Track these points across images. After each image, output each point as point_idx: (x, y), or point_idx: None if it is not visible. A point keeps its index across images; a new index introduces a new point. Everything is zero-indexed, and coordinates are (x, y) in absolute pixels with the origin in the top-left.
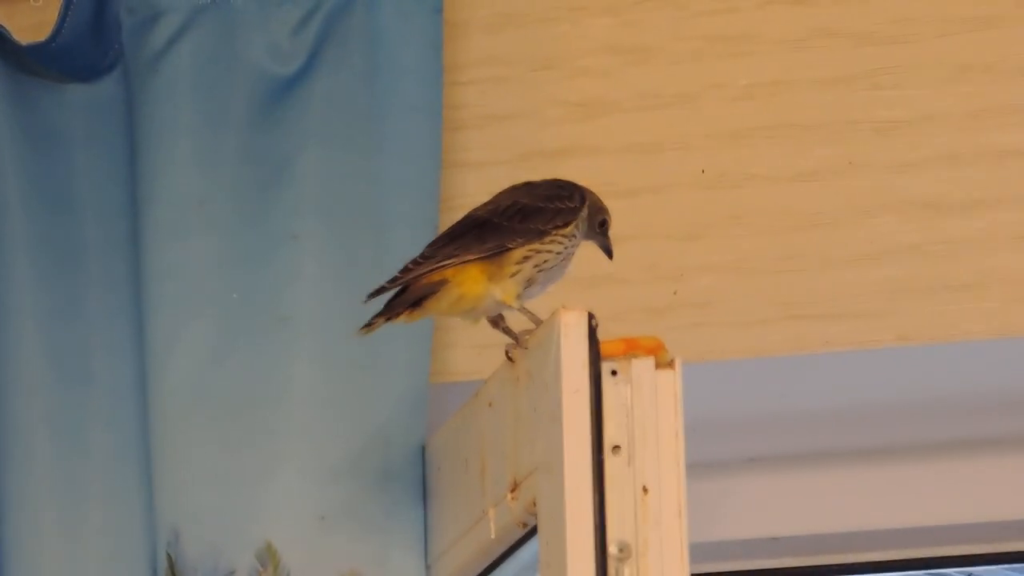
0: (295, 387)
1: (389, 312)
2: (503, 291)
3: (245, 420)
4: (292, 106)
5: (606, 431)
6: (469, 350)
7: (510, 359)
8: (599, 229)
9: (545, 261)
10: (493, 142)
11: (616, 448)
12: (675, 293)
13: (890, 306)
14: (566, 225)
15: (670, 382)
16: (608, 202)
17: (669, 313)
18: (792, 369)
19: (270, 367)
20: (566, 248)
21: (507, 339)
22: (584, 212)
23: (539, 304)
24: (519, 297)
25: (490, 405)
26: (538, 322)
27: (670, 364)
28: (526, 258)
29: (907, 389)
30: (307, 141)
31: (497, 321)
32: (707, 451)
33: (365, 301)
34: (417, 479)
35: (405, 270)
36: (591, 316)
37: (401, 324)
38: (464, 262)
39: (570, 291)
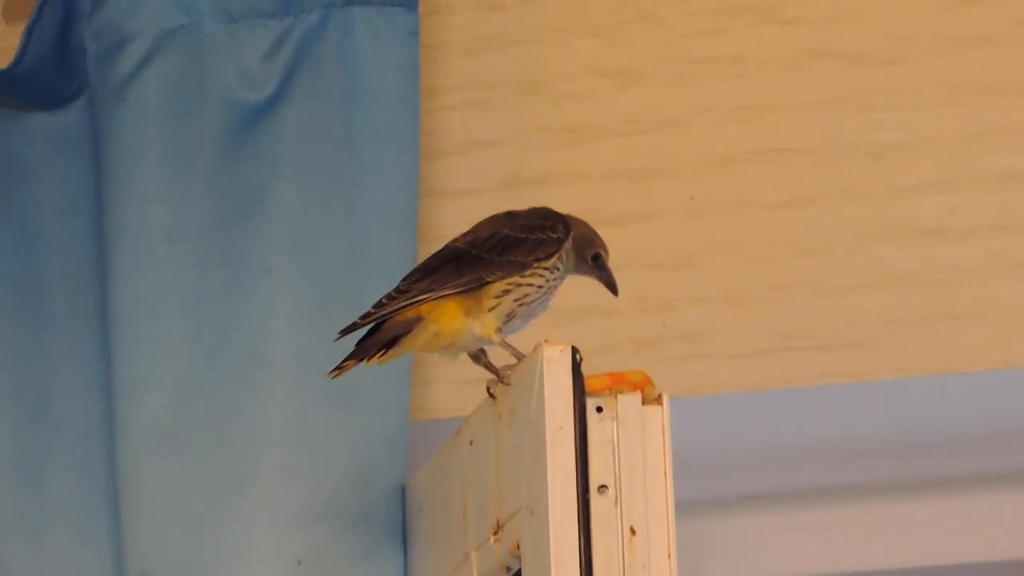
0: (269, 427)
1: (361, 353)
2: (482, 326)
3: (217, 461)
4: (264, 134)
5: (592, 470)
6: (450, 386)
7: (492, 396)
8: (592, 263)
9: (526, 295)
10: (474, 170)
11: (602, 488)
12: (664, 325)
13: (887, 337)
14: (548, 257)
15: (658, 418)
16: (596, 230)
17: (657, 345)
18: (786, 403)
19: (243, 406)
20: (548, 282)
21: (489, 375)
22: (569, 243)
23: (521, 338)
24: (499, 332)
25: (471, 443)
26: (520, 357)
27: (657, 399)
28: (506, 292)
29: (906, 423)
30: (280, 171)
31: (478, 356)
32: (697, 490)
33: (336, 339)
34: (397, 521)
35: (378, 306)
36: (575, 350)
37: (375, 365)
38: (440, 297)
39: (554, 324)
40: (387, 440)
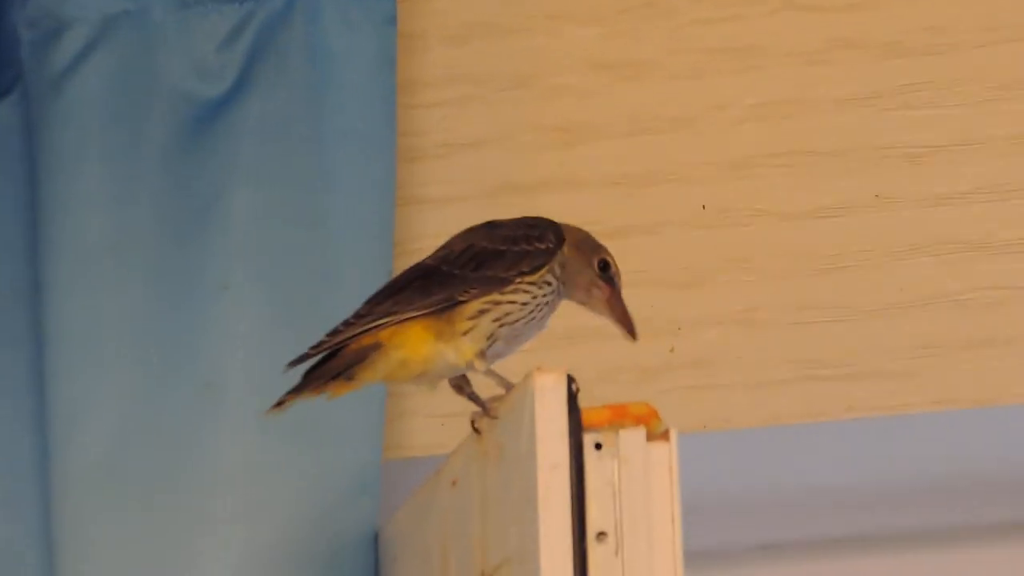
0: (224, 464)
1: (306, 386)
2: (456, 352)
3: (165, 503)
4: (220, 133)
5: (589, 515)
6: (429, 420)
7: (477, 431)
8: (599, 271)
9: (507, 314)
10: (457, 174)
11: (601, 535)
12: (671, 351)
13: (925, 364)
14: (534, 271)
15: (664, 456)
16: None
17: (664, 374)
18: (810, 439)
19: (194, 441)
20: (536, 298)
21: (473, 407)
22: (563, 253)
23: (510, 364)
24: (482, 358)
25: (454, 484)
26: (508, 387)
27: (664, 435)
28: (482, 312)
29: (946, 462)
30: (238, 175)
31: (461, 386)
32: (710, 537)
33: (285, 371)
34: (368, 572)
35: (333, 333)
36: (571, 379)
37: (324, 399)
38: (404, 320)
39: (547, 348)
40: (358, 480)
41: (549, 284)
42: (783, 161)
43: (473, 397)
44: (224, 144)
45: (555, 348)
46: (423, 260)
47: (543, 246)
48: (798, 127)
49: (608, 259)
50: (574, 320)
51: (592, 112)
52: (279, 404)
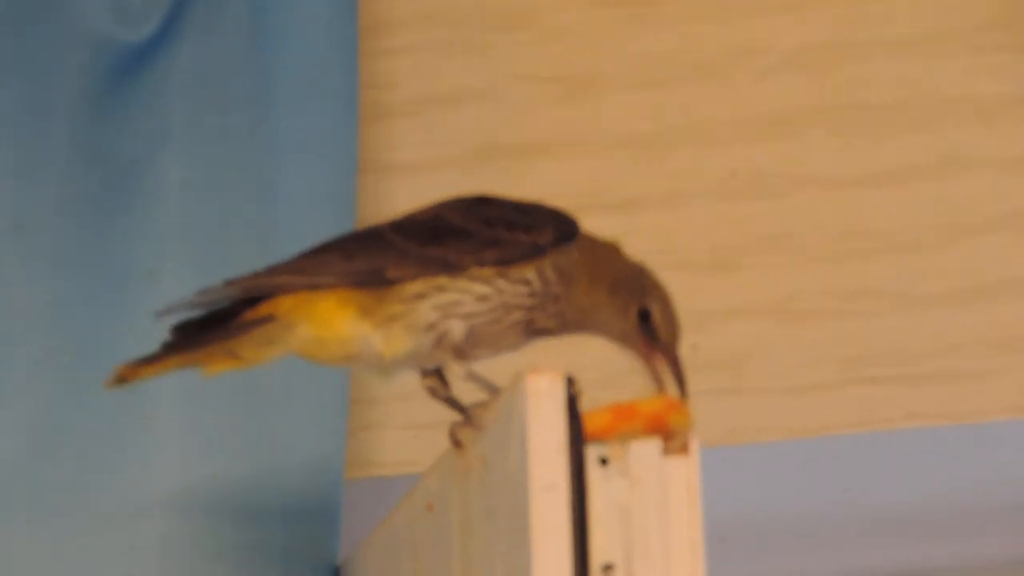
0: (153, 484)
1: (166, 355)
2: (385, 340)
3: (84, 528)
4: (144, 88)
5: (593, 544)
6: (400, 433)
7: (457, 444)
8: (639, 320)
9: (455, 304)
10: (433, 135)
11: (608, 568)
12: (694, 347)
13: (1000, 363)
14: (501, 263)
15: (684, 472)
16: (601, 217)
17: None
18: (861, 453)
19: (118, 455)
20: (503, 295)
21: (453, 416)
22: (568, 259)
23: (497, 364)
24: (451, 354)
25: (430, 508)
26: (495, 391)
27: (683, 448)
28: (419, 296)
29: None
30: (166, 139)
31: (436, 389)
32: (740, 571)
33: (159, 316)
34: None
35: (210, 291)
36: (571, 381)
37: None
38: (312, 287)
39: (543, 346)
40: (315, 504)
41: (527, 284)
42: (828, 117)
43: (452, 403)
44: (148, 101)
45: (551, 345)
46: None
47: (527, 239)
48: (845, 76)
49: (652, 307)
50: None
51: (596, 59)
52: (122, 378)
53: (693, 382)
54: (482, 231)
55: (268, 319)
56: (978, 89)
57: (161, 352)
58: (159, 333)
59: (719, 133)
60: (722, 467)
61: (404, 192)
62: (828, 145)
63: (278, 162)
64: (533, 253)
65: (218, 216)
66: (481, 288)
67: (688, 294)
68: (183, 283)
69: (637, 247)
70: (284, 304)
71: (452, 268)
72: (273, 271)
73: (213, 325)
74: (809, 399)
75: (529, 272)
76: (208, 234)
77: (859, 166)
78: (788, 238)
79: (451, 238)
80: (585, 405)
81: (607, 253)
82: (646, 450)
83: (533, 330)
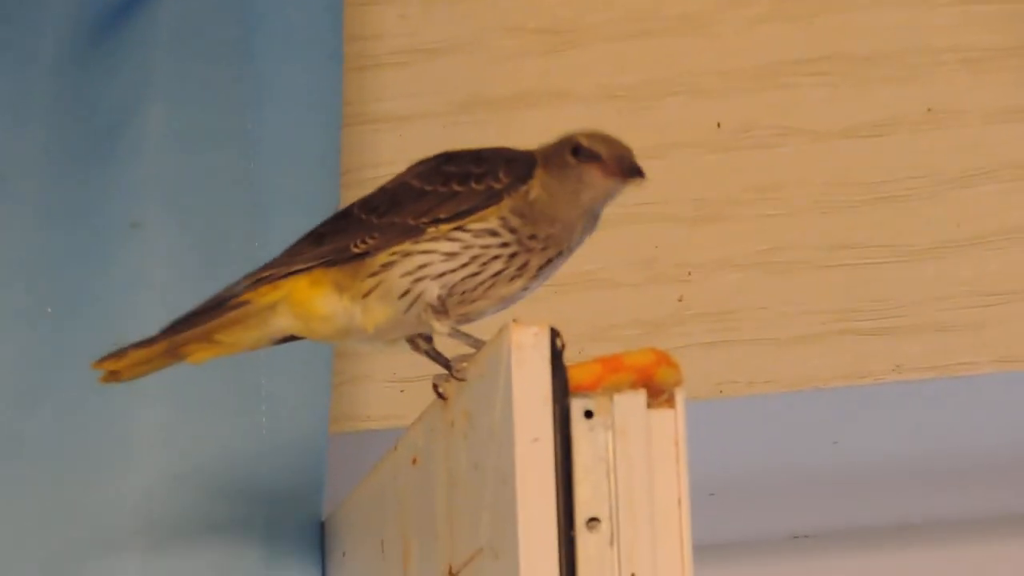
0: (137, 440)
1: (143, 343)
2: (364, 312)
3: (67, 487)
4: (127, 38)
5: (578, 498)
6: (385, 386)
7: (441, 396)
8: (574, 157)
9: (423, 267)
10: (418, 86)
11: (593, 521)
12: (680, 299)
13: (988, 315)
14: (457, 217)
15: (669, 425)
16: None
17: (672, 329)
18: (850, 406)
19: (102, 412)
20: (472, 250)
21: (436, 368)
22: (529, 189)
23: (485, 319)
24: (435, 316)
25: (415, 462)
26: (478, 345)
27: (669, 400)
28: (388, 265)
29: (1015, 430)
30: (149, 89)
31: (417, 343)
32: (727, 526)
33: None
34: (314, 567)
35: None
36: (555, 334)
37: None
38: (288, 274)
39: (528, 298)
40: (299, 459)
41: (495, 235)
42: (815, 68)
43: (434, 355)
44: (133, 51)
45: (537, 299)
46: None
47: (481, 187)
48: (832, 26)
49: (578, 140)
50: (564, 266)
51: (582, 10)
52: (114, 365)
53: (680, 335)
54: (436, 189)
55: (243, 303)
56: (966, 39)
57: (144, 341)
58: (143, 285)
59: (705, 84)
60: (710, 420)
61: (389, 144)
62: (815, 96)
63: (263, 113)
64: (488, 201)
65: (202, 168)
66: (446, 246)
67: (675, 246)
68: (167, 235)
69: (623, 198)
70: (260, 290)
71: (412, 232)
72: (260, 268)
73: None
74: (797, 351)
75: (492, 221)
76: (192, 186)
77: (846, 117)
78: (775, 189)
79: (409, 203)
80: (569, 358)
81: (544, 150)
82: (631, 403)
83: (537, 269)
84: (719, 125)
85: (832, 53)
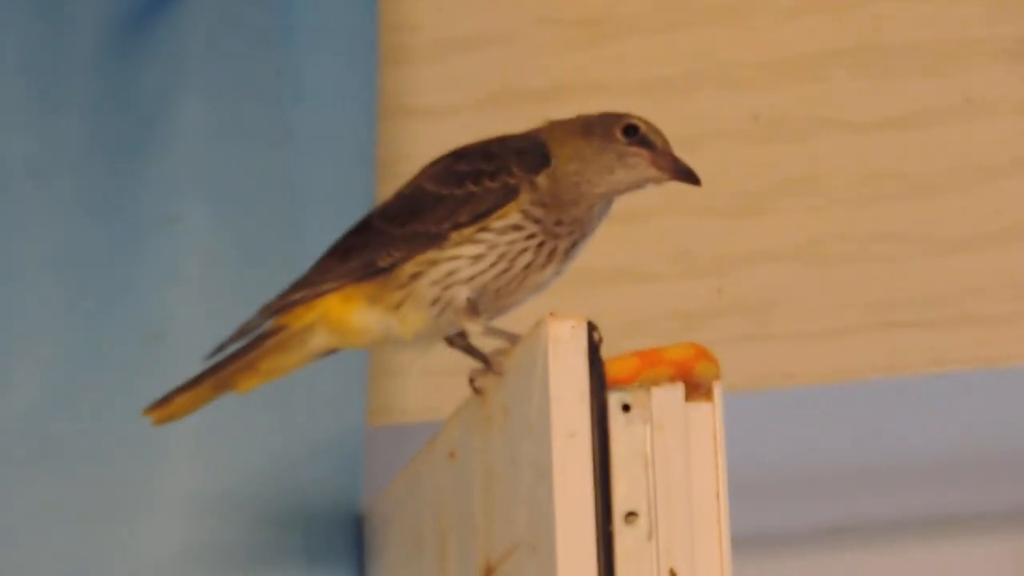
0: (173, 436)
1: (198, 383)
2: (400, 322)
3: (101, 482)
4: (163, 30)
5: (616, 492)
6: (422, 380)
7: (477, 391)
8: (625, 137)
9: (453, 274)
10: (454, 80)
11: (631, 516)
12: (718, 292)
13: None
14: (477, 219)
15: (708, 419)
16: None
17: (709, 322)
18: (887, 399)
19: (135, 407)
20: (499, 248)
21: (473, 363)
22: (543, 179)
23: (517, 311)
24: (469, 317)
25: (452, 456)
26: (513, 340)
27: (707, 394)
28: (416, 275)
29: None
30: (185, 82)
31: (452, 338)
32: (764, 519)
33: (206, 360)
34: (351, 560)
35: (250, 322)
36: (592, 327)
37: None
38: (319, 294)
39: (563, 292)
40: (337, 453)
41: (519, 229)
42: (852, 60)
43: (470, 350)
44: (169, 44)
45: (573, 291)
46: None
47: (496, 184)
48: (869, 17)
49: (635, 122)
50: (596, 258)
51: (618, 2)
52: (164, 412)
53: (718, 328)
54: (452, 192)
55: (280, 329)
56: (1003, 30)
57: (188, 384)
58: (179, 280)
59: (742, 76)
60: (748, 413)
61: (425, 136)
62: (852, 88)
63: (299, 106)
64: (505, 198)
65: (239, 161)
66: (471, 249)
67: (712, 239)
68: (203, 229)
69: (660, 191)
70: (295, 313)
71: (435, 239)
72: (291, 286)
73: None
74: (834, 344)
75: (514, 216)
76: (229, 179)
77: (883, 108)
78: (812, 182)
79: (427, 209)
80: (607, 351)
81: (571, 121)
82: (669, 397)
83: (565, 252)
84: (756, 117)
85: (869, 44)
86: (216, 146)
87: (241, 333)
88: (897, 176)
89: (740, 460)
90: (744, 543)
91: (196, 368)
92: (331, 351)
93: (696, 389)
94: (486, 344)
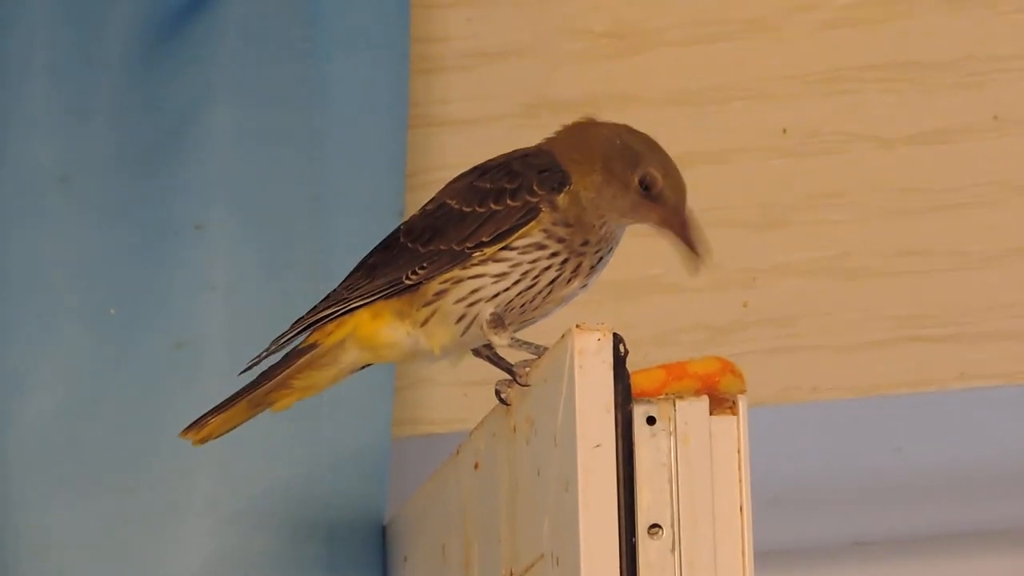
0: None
1: (232, 403)
2: (428, 337)
3: (126, 489)
4: (194, 38)
5: (640, 504)
6: (449, 390)
7: (503, 402)
8: (641, 191)
9: (476, 291)
10: (485, 89)
11: (655, 528)
12: (745, 305)
13: None
14: (498, 239)
15: (732, 432)
16: None
17: (736, 334)
18: (913, 413)
19: (162, 415)
20: (521, 267)
21: (499, 373)
22: (568, 196)
23: (545, 322)
24: (496, 330)
25: (476, 467)
26: (539, 352)
27: (732, 407)
28: (441, 293)
29: None
30: (215, 90)
31: (479, 349)
32: (789, 532)
33: (240, 374)
34: (375, 572)
35: (281, 336)
36: (618, 339)
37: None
38: (350, 311)
39: (590, 304)
40: (362, 463)
41: (543, 247)
42: (881, 75)
43: (496, 360)
44: (198, 51)
45: (600, 303)
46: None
47: (517, 203)
48: (899, 32)
49: (651, 174)
50: (623, 270)
51: (649, 14)
52: (201, 434)
53: (744, 341)
54: (475, 210)
55: (312, 347)
56: None
57: (222, 405)
58: (206, 287)
59: (771, 89)
60: (773, 426)
61: (455, 147)
62: (881, 102)
63: (328, 114)
64: (526, 216)
65: (267, 169)
66: (494, 267)
67: (739, 251)
68: (230, 236)
69: (690, 204)
70: (326, 329)
71: (458, 257)
72: (322, 302)
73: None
74: (861, 358)
75: (536, 235)
76: (257, 187)
77: (912, 123)
78: (840, 195)
79: (451, 227)
80: (633, 363)
81: (585, 136)
82: (694, 410)
83: (590, 268)
84: (785, 131)
85: (899, 60)
86: (245, 154)
87: (273, 347)
88: (925, 191)
89: (765, 473)
90: (767, 556)
91: (222, 375)
92: (364, 366)
93: (721, 402)
94: (512, 356)
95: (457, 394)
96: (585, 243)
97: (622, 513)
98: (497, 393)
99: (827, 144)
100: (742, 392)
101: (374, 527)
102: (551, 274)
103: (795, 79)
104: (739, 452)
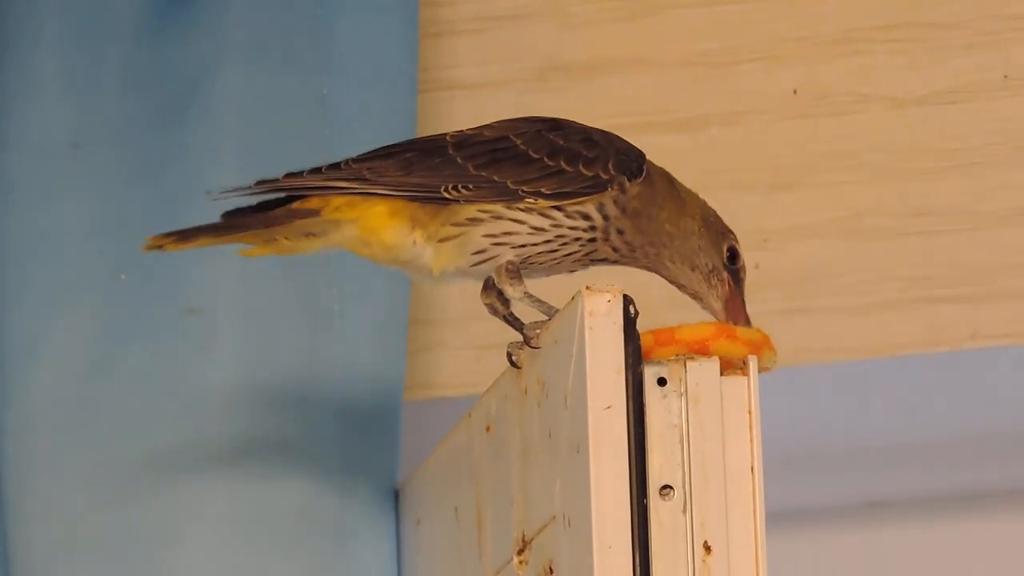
0: (209, 407)
1: (218, 229)
2: (435, 255)
3: (140, 454)
4: (203, 6)
5: (651, 465)
6: (461, 353)
7: (515, 364)
8: (728, 262)
9: (509, 234)
10: (495, 53)
11: (666, 489)
12: (757, 267)
13: None
14: (558, 196)
15: (742, 393)
16: (663, 136)
17: (749, 295)
18: (926, 374)
19: (174, 378)
20: (560, 230)
21: (513, 335)
22: (628, 190)
23: (552, 284)
24: (509, 279)
25: (488, 430)
26: (550, 311)
27: (742, 368)
28: (475, 221)
29: None
30: (225, 55)
31: (495, 307)
32: (800, 494)
33: (215, 198)
34: (388, 535)
35: (294, 174)
36: (628, 300)
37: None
38: (366, 194)
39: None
40: (374, 426)
41: (588, 219)
42: (892, 35)
43: (511, 320)
44: (207, 17)
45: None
46: (448, 134)
47: (589, 173)
48: None
49: (738, 248)
50: None
51: None
52: (179, 238)
53: (756, 302)
54: (543, 159)
55: (313, 213)
56: None
57: (204, 227)
58: (218, 252)
59: (782, 51)
60: (786, 387)
61: (465, 110)
62: (892, 63)
63: (338, 79)
64: (593, 188)
65: (276, 135)
66: (537, 220)
67: (751, 213)
68: (241, 202)
69: (700, 165)
70: (334, 202)
71: (509, 195)
72: (332, 170)
73: (260, 211)
74: (874, 319)
75: (589, 206)
76: (267, 154)
77: (923, 84)
78: (852, 156)
79: (511, 164)
80: (644, 325)
81: (672, 180)
82: (705, 370)
83: (592, 260)
84: (795, 92)
85: (909, 20)
86: (255, 118)
87: (257, 192)
88: (936, 151)
89: (778, 434)
90: (779, 517)
91: (234, 341)
92: (345, 248)
93: (731, 363)
94: (523, 310)
95: (469, 357)
96: (620, 232)
97: (633, 475)
98: (508, 356)
99: (838, 105)
100: (741, 356)
101: (387, 490)
102: (574, 247)
103: (806, 40)
104: (750, 413)
